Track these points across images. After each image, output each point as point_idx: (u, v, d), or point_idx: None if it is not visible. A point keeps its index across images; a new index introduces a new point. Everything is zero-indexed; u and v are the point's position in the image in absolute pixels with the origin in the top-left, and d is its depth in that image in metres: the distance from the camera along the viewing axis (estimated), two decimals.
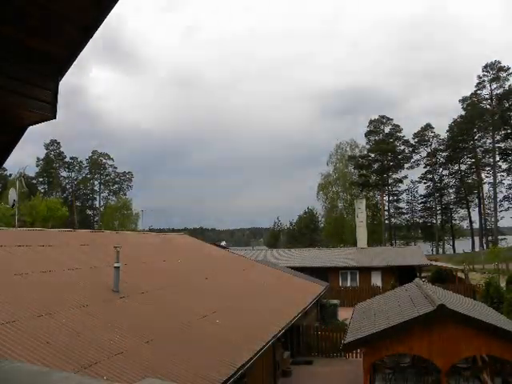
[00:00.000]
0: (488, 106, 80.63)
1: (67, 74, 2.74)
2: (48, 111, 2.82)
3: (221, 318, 11.70)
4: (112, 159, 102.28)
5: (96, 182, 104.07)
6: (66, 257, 12.65)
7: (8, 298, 8.17)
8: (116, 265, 10.80)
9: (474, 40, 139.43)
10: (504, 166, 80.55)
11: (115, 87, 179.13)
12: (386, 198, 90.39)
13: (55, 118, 2.76)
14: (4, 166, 3.02)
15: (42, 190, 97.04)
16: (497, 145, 79.87)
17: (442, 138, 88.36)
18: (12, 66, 2.57)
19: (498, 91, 78.85)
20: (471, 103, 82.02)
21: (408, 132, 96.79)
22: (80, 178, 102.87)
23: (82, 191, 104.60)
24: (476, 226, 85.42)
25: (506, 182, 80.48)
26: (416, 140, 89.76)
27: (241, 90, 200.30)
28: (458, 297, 15.69)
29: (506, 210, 79.39)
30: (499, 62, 78.33)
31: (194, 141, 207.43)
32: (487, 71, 79.59)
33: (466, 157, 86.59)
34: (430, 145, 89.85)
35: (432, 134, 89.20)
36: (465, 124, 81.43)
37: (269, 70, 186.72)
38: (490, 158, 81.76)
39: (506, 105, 78.09)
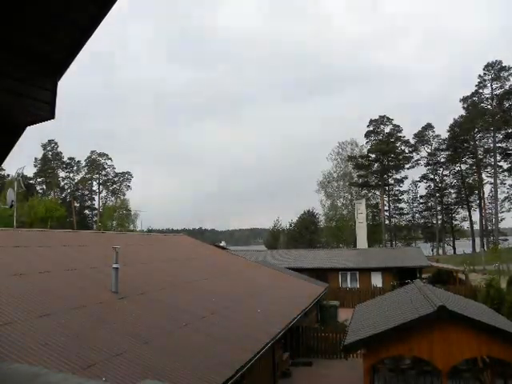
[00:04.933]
0: (489, 106, 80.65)
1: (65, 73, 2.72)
2: (46, 111, 2.80)
3: (220, 319, 11.68)
4: (110, 159, 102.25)
5: (94, 183, 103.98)
6: (64, 257, 12.62)
7: (6, 299, 8.14)
8: (115, 265, 10.76)
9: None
10: (505, 166, 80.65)
11: None
12: (386, 198, 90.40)
13: (53, 118, 2.74)
14: (2, 166, 3.00)
15: (40, 191, 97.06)
16: (498, 145, 79.88)
17: (442, 137, 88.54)
18: (10, 66, 2.54)
19: (499, 91, 78.89)
20: (472, 103, 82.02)
21: (408, 132, 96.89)
22: (78, 178, 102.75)
23: (81, 191, 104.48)
24: (477, 226, 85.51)
25: (508, 183, 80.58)
26: (416, 140, 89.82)
27: None
28: (458, 298, 15.67)
29: (507, 211, 79.47)
30: (500, 62, 78.35)
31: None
32: (488, 71, 79.56)
33: (466, 157, 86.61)
34: (431, 145, 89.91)
35: (432, 134, 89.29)
36: (466, 124, 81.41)
37: None
38: (490, 158, 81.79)
39: (507, 105, 78.12)
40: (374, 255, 39.91)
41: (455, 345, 10.66)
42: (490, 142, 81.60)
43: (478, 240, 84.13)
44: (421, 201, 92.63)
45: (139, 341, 8.40)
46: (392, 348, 11.22)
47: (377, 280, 35.74)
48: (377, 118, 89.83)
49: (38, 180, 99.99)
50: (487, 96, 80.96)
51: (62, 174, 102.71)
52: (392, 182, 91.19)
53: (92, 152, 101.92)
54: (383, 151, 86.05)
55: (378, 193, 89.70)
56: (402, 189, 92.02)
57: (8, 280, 9.19)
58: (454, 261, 54.22)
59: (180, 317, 10.83)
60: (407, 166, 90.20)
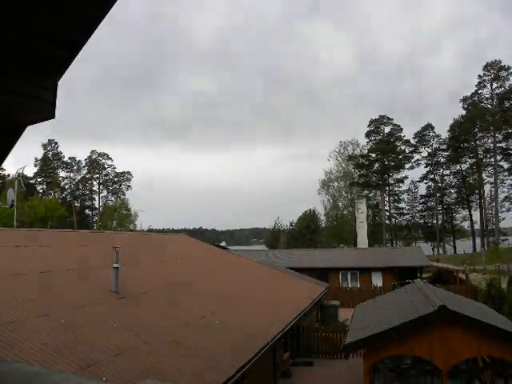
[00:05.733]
0: (489, 106, 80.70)
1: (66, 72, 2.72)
2: (47, 111, 2.80)
3: (220, 319, 11.67)
4: (111, 159, 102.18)
5: (95, 182, 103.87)
6: (64, 257, 12.63)
7: (6, 299, 8.14)
8: (115, 265, 10.75)
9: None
10: (505, 165, 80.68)
11: None
12: (386, 198, 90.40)
13: (54, 117, 2.74)
14: (2, 166, 3.00)
15: (41, 191, 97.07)
16: (498, 144, 79.94)
17: (443, 137, 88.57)
18: (10, 66, 2.54)
19: (499, 91, 78.96)
20: (472, 103, 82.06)
21: (409, 132, 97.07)
22: (79, 177, 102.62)
23: (81, 191, 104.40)
24: (477, 226, 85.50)
25: (508, 182, 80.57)
26: (417, 140, 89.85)
27: None
28: (458, 298, 15.68)
29: (507, 211, 79.45)
30: (500, 62, 78.51)
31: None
32: (488, 70, 79.61)
33: (467, 157, 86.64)
34: (431, 145, 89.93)
35: (433, 134, 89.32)
36: (466, 124, 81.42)
37: None
38: (491, 157, 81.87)
39: (507, 104, 78.17)
40: (374, 255, 39.93)
41: (455, 344, 10.66)
42: (490, 141, 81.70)
43: (478, 240, 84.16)
44: (421, 200, 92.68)
45: (139, 341, 8.40)
46: (392, 348, 11.22)
47: (377, 280, 35.76)
48: (377, 117, 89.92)
49: (38, 180, 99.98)
50: (487, 96, 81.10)
51: (62, 173, 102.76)
52: (392, 181, 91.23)
53: (92, 152, 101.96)
54: (383, 151, 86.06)
55: (378, 192, 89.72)
56: (402, 188, 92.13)
57: (8, 280, 9.19)
58: (455, 260, 54.16)
59: (180, 316, 10.83)
60: (407, 165, 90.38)
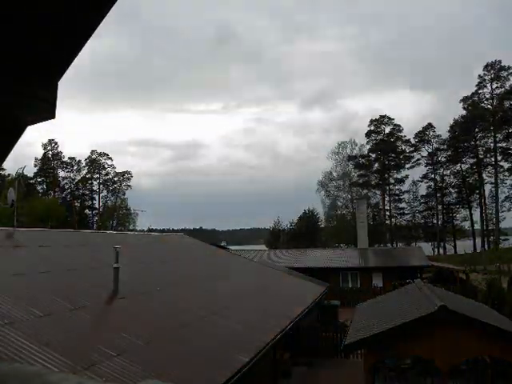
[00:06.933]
0: (489, 106, 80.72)
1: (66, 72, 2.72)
2: (47, 111, 2.79)
3: (220, 319, 11.67)
4: (111, 159, 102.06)
5: (95, 182, 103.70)
6: (64, 257, 12.62)
7: (6, 299, 8.14)
8: (115, 265, 10.75)
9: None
10: (506, 165, 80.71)
11: None
12: (386, 198, 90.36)
13: (54, 117, 2.74)
14: (2, 166, 3.00)
15: (41, 191, 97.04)
16: (498, 144, 79.96)
17: (443, 137, 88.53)
18: (10, 66, 2.54)
19: (499, 91, 79.01)
20: (472, 103, 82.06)
21: (409, 132, 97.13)
22: (79, 177, 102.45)
23: (81, 191, 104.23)
24: (478, 226, 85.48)
25: (508, 182, 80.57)
26: (417, 140, 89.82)
27: None
28: (459, 298, 15.68)
29: (507, 211, 79.44)
30: (500, 62, 78.57)
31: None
32: (488, 71, 79.67)
33: (467, 157, 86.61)
34: (432, 145, 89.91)
35: (433, 134, 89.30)
36: (466, 124, 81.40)
37: None
38: (491, 157, 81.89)
39: (507, 104, 78.19)
40: (374, 255, 39.96)
41: (456, 345, 10.66)
42: (490, 141, 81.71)
43: (478, 240, 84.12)
44: (421, 200, 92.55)
45: (139, 341, 8.40)
46: (392, 348, 11.23)
47: (378, 280, 35.77)
48: (377, 117, 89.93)
49: (38, 180, 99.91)
50: (487, 96, 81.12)
51: (62, 173, 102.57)
52: (392, 181, 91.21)
53: (92, 152, 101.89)
54: (384, 151, 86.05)
55: (378, 192, 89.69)
56: (402, 188, 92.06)
57: (8, 280, 9.19)
58: (454, 260, 54.18)
59: (180, 317, 10.82)
60: (408, 165, 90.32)
